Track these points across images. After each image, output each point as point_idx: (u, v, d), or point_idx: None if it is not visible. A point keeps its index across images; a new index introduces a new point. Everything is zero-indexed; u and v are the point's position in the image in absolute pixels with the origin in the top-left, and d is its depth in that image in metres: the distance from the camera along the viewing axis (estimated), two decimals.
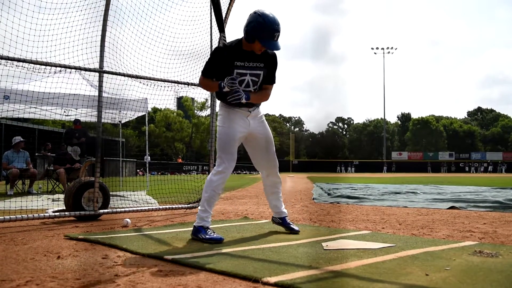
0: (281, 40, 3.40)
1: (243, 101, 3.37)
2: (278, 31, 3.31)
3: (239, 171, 47.51)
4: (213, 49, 3.55)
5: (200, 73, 3.55)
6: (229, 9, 5.70)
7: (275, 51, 3.55)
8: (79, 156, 10.11)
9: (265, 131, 3.67)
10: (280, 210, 3.84)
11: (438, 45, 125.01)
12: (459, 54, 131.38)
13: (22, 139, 10.31)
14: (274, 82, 3.63)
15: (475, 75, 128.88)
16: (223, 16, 5.67)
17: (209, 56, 3.56)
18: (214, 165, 3.51)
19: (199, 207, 3.49)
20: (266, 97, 3.61)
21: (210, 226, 3.43)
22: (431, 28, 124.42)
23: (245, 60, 3.42)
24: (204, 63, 3.50)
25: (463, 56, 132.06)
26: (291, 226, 3.80)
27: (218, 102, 3.65)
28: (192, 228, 3.49)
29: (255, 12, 3.35)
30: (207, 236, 3.31)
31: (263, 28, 3.27)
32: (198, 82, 3.61)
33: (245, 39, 3.38)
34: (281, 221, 3.84)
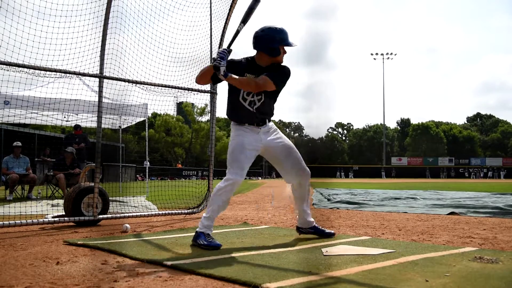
0: None
1: (221, 67, 3.31)
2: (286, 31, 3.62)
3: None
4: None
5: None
6: (229, 15, 5.73)
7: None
8: (76, 156, 10.06)
9: (282, 140, 3.70)
10: (310, 218, 3.80)
11: (436, 51, 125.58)
12: (457, 60, 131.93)
13: (20, 144, 10.30)
14: (272, 77, 3.48)
15: (474, 81, 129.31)
16: (224, 21, 5.71)
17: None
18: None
19: (203, 214, 3.51)
20: (252, 85, 3.43)
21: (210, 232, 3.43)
22: (429, 35, 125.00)
23: (255, 73, 3.54)
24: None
25: (461, 62, 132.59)
26: (326, 231, 3.80)
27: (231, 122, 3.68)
28: (193, 233, 3.49)
29: (263, 29, 3.56)
30: (205, 243, 3.31)
31: (280, 34, 3.54)
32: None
33: (270, 54, 3.55)
34: (314, 230, 3.80)
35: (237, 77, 3.41)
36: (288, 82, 3.64)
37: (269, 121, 3.69)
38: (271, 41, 3.51)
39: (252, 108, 3.55)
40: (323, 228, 3.85)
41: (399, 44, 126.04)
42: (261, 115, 3.59)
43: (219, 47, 5.85)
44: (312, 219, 3.83)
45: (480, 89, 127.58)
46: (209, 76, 3.49)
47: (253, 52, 3.64)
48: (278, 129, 3.75)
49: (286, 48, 3.59)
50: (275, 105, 3.77)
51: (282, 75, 3.57)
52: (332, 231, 3.84)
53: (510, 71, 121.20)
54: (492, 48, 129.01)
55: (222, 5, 5.64)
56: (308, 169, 3.72)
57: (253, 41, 3.59)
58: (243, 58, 3.64)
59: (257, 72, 3.53)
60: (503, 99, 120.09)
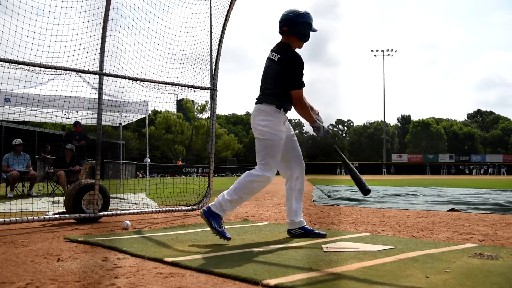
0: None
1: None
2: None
3: (239, 173, 47.46)
4: (298, 61, 3.50)
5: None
6: (229, 12, 5.72)
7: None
8: (75, 153, 10.07)
9: (293, 131, 3.73)
10: (299, 218, 3.65)
11: (436, 48, 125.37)
12: (457, 56, 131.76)
13: (20, 142, 10.31)
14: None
15: (473, 77, 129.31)
16: (224, 18, 5.70)
17: (297, 68, 3.50)
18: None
19: (226, 197, 3.37)
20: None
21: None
22: (429, 32, 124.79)
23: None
24: (293, 76, 3.48)
25: (461, 58, 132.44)
26: (316, 231, 3.66)
27: (259, 106, 3.55)
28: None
29: (298, 14, 3.52)
30: (219, 229, 3.29)
31: (311, 19, 3.57)
32: (296, 99, 3.50)
33: (303, 39, 3.57)
34: (303, 230, 3.63)
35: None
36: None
37: None
38: (307, 27, 3.52)
39: None
40: (313, 229, 3.71)
41: (400, 41, 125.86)
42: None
43: (219, 45, 5.83)
44: (302, 219, 3.69)
45: (480, 85, 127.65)
46: (308, 119, 3.60)
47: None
48: None
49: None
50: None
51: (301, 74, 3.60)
52: (324, 232, 3.67)
53: (510, 67, 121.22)
54: (492, 45, 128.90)
55: (222, 2, 5.63)
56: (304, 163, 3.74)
57: (287, 24, 3.52)
58: (295, 51, 3.60)
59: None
60: (503, 96, 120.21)
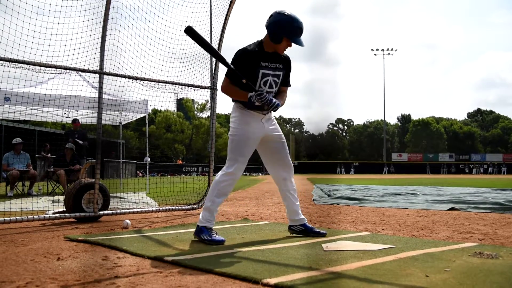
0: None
1: (279, 107, 3.38)
2: (303, 28, 3.42)
3: None
4: (236, 52, 3.45)
5: (223, 76, 3.46)
6: (229, 11, 5.72)
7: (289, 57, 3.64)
8: (76, 152, 10.08)
9: (279, 132, 3.67)
10: (300, 216, 3.68)
11: (436, 47, 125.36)
12: (457, 56, 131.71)
13: (21, 141, 10.32)
14: (290, 85, 3.67)
15: (474, 77, 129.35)
16: (224, 17, 5.70)
17: (232, 59, 3.44)
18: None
19: (203, 207, 3.46)
20: (284, 101, 3.62)
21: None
22: (429, 31, 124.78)
23: (268, 61, 3.46)
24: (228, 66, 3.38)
25: (461, 58, 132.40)
26: (316, 230, 3.68)
27: (232, 104, 3.57)
28: (193, 229, 3.49)
29: (279, 13, 3.40)
30: (209, 238, 3.31)
31: (291, 26, 3.36)
32: (221, 88, 3.47)
33: (271, 39, 3.42)
34: (304, 227, 3.66)
35: (281, 100, 3.48)
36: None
37: None
38: (280, 27, 3.36)
39: None
40: (313, 227, 3.74)
41: (400, 40, 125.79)
42: None
43: (219, 44, 5.84)
44: (303, 216, 3.72)
45: (480, 85, 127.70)
46: (241, 99, 3.43)
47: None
48: (274, 118, 3.72)
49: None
50: None
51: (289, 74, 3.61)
52: (324, 231, 3.69)
53: (510, 67, 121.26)
54: (491, 45, 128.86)
55: (222, 1, 5.62)
56: (292, 165, 3.72)
57: (267, 20, 3.45)
58: (253, 44, 3.49)
59: (268, 60, 3.45)
60: (503, 96, 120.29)
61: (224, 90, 3.45)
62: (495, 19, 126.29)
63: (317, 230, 3.68)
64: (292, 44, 3.45)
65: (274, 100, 3.36)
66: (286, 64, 3.58)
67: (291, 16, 3.38)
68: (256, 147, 3.57)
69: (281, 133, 3.70)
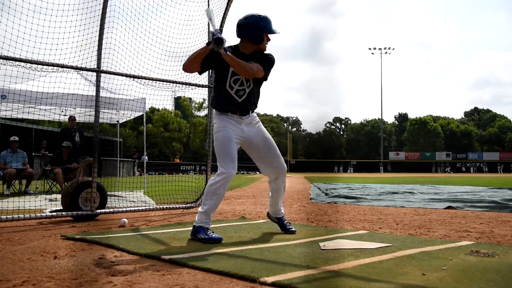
0: (276, 39, 3.56)
1: (223, 44, 3.19)
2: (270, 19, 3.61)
3: (236, 172, 47.37)
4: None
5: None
6: (226, 9, 5.71)
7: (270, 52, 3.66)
8: (72, 150, 10.04)
9: (263, 134, 3.66)
10: (279, 210, 3.86)
11: (433, 46, 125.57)
12: (453, 55, 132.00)
13: (17, 139, 10.29)
14: (263, 67, 3.51)
15: (469, 76, 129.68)
16: (221, 16, 5.69)
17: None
18: (212, 165, 3.52)
19: (199, 211, 3.47)
20: (248, 69, 3.38)
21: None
22: (426, 30, 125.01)
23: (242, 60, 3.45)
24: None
25: (457, 57, 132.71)
26: (288, 227, 3.83)
27: (213, 111, 3.65)
28: (190, 227, 3.49)
29: (248, 17, 3.54)
30: (206, 236, 3.31)
31: (264, 22, 3.53)
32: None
33: (254, 42, 3.53)
34: (278, 221, 3.88)
35: (239, 61, 3.34)
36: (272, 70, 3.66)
37: (253, 112, 3.65)
38: (255, 29, 3.49)
39: (238, 97, 3.52)
40: (287, 223, 3.87)
41: (397, 39, 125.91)
42: (245, 105, 3.55)
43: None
44: (282, 211, 3.89)
45: (475, 84, 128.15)
46: (201, 59, 3.36)
47: (237, 40, 3.61)
48: (260, 121, 3.72)
49: (270, 35, 3.57)
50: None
51: (269, 63, 3.59)
52: (294, 229, 3.82)
53: (504, 67, 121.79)
54: (486, 44, 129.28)
55: (220, 1, 5.61)
56: (285, 166, 3.73)
57: (237, 30, 3.56)
58: (227, 46, 3.51)
59: (242, 59, 3.43)
60: (497, 94, 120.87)
61: (183, 66, 3.50)
62: (488, 19, 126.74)
63: (288, 227, 3.83)
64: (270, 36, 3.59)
65: (221, 36, 3.22)
66: (259, 57, 3.57)
67: (258, 15, 3.55)
68: (239, 146, 3.62)
69: (267, 136, 3.69)
